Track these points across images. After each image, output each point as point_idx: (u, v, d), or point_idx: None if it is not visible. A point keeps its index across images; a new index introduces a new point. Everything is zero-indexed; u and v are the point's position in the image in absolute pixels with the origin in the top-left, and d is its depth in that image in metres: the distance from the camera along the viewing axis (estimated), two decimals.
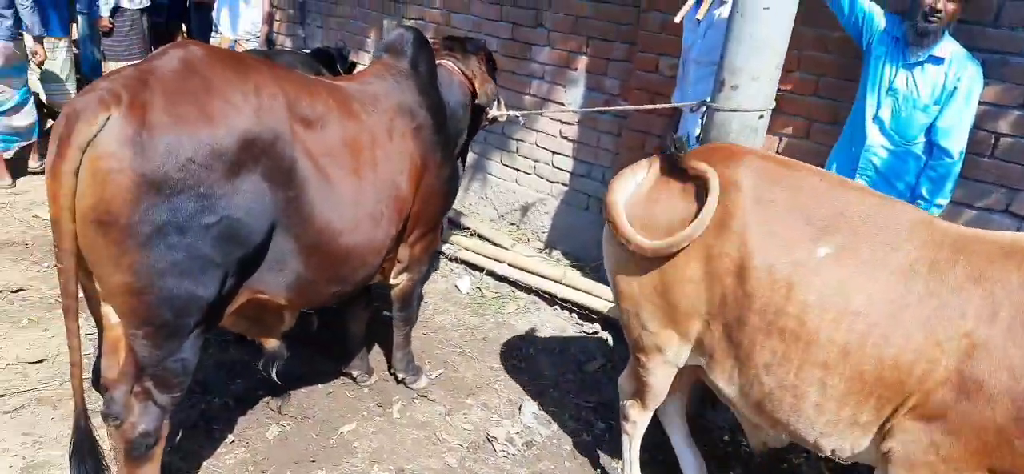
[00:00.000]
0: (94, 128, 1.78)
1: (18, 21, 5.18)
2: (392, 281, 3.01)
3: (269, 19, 6.74)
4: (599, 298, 4.03)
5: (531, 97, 5.01)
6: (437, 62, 3.20)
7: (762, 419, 2.21)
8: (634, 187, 2.36)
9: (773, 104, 2.79)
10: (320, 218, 2.26)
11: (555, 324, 4.08)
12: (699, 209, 2.15)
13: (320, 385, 3.26)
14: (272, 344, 2.61)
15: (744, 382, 2.17)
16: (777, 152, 3.74)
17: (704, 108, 2.89)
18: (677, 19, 3.15)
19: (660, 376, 2.44)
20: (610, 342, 3.90)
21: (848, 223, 2.04)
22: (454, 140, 3.21)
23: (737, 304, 2.10)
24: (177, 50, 2.04)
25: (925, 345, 1.88)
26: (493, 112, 3.43)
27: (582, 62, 4.70)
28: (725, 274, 2.12)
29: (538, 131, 4.98)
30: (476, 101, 3.26)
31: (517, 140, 5.12)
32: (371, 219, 2.44)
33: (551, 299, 4.24)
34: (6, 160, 5.30)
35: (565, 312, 4.18)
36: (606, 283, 3.88)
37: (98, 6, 6.99)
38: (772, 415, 2.14)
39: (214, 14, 6.78)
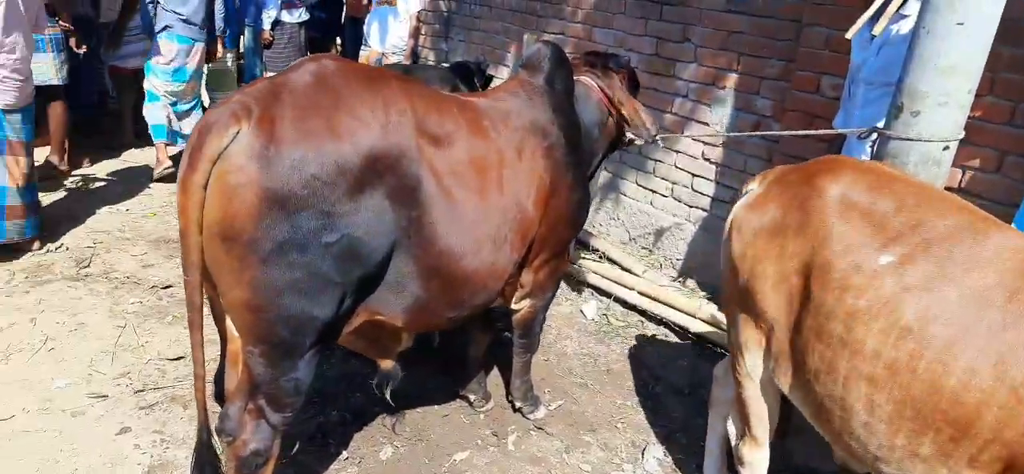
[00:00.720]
0: (224, 141, 1.77)
1: (213, 27, 5.61)
2: (514, 306, 2.87)
3: (415, 33, 6.89)
4: None
5: (673, 116, 4.74)
6: (575, 78, 3.06)
7: (822, 432, 2.12)
8: (745, 195, 2.39)
9: (962, 134, 2.39)
10: (442, 239, 2.16)
11: (686, 361, 3.79)
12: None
13: (436, 406, 3.18)
14: (387, 364, 2.53)
15: (799, 389, 2.12)
16: (960, 187, 3.26)
17: (875, 135, 2.53)
18: (849, 35, 2.79)
19: (754, 392, 2.34)
20: None
21: (924, 234, 1.87)
22: (587, 161, 3.03)
23: (798, 305, 2.07)
24: (311, 64, 2.02)
25: (995, 387, 1.67)
26: (631, 133, 3.22)
27: (731, 80, 4.38)
28: (792, 274, 2.09)
29: (678, 151, 4.70)
30: (614, 119, 3.07)
31: (654, 160, 4.85)
32: (493, 242, 2.32)
33: (683, 333, 3.94)
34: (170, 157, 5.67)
35: (698, 348, 3.87)
36: None
37: (262, 19, 7.47)
38: (826, 429, 2.07)
39: (365, 28, 7.03)
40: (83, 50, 5.50)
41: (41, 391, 2.92)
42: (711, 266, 4.42)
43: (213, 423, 2.10)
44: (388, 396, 2.63)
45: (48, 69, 4.98)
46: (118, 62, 5.99)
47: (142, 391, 2.99)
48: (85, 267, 4.03)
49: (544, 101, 2.66)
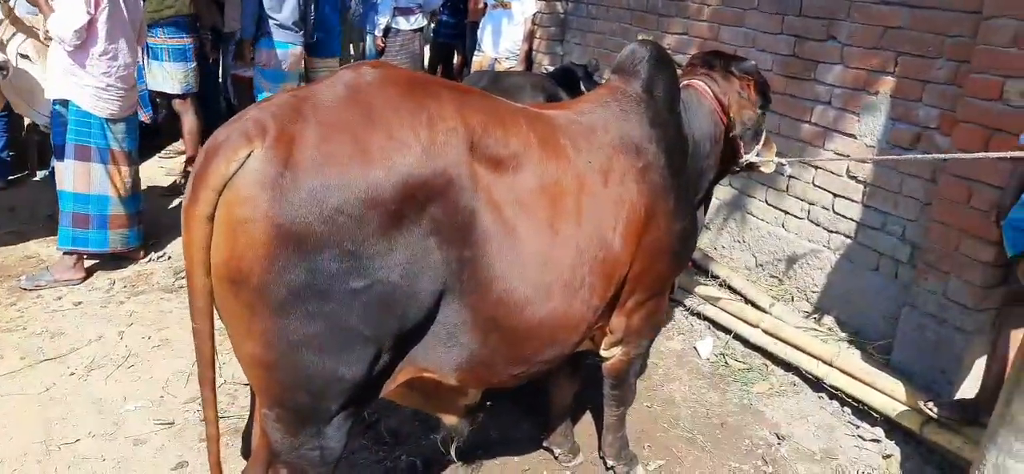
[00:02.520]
0: (232, 166, 1.48)
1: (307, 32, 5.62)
2: (603, 353, 2.44)
3: (530, 37, 6.59)
4: (884, 394, 3.06)
5: (811, 126, 4.10)
6: (685, 83, 2.59)
7: None
8: None
9: None
10: (500, 284, 1.78)
11: (819, 419, 3.19)
12: None
13: (516, 457, 2.81)
14: (451, 420, 2.20)
15: None
16: None
17: None
18: None
19: None
20: (896, 457, 2.92)
21: None
22: (695, 183, 2.56)
23: None
24: (347, 72, 1.70)
25: None
26: (751, 156, 2.70)
27: (886, 84, 3.70)
28: None
29: (816, 166, 4.05)
30: (730, 134, 2.58)
31: (789, 176, 4.21)
32: (565, 287, 1.91)
33: (817, 383, 3.34)
34: None
35: (835, 404, 3.26)
36: (898, 370, 2.95)
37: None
38: None
39: (479, 32, 6.81)
40: (212, 59, 5.71)
41: (111, 414, 2.84)
42: (854, 303, 3.76)
43: None
44: (453, 454, 2.30)
45: (165, 79, 5.12)
46: (239, 70, 6.11)
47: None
48: (182, 278, 4.01)
49: (639, 112, 2.23)
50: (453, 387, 1.98)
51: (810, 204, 4.12)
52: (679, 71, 2.79)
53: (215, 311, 1.63)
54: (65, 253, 3.83)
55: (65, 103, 3.73)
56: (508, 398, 3.05)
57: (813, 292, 4.05)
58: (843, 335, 3.69)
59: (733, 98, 2.61)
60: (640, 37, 2.59)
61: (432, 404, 2.14)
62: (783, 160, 2.84)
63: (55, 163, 3.92)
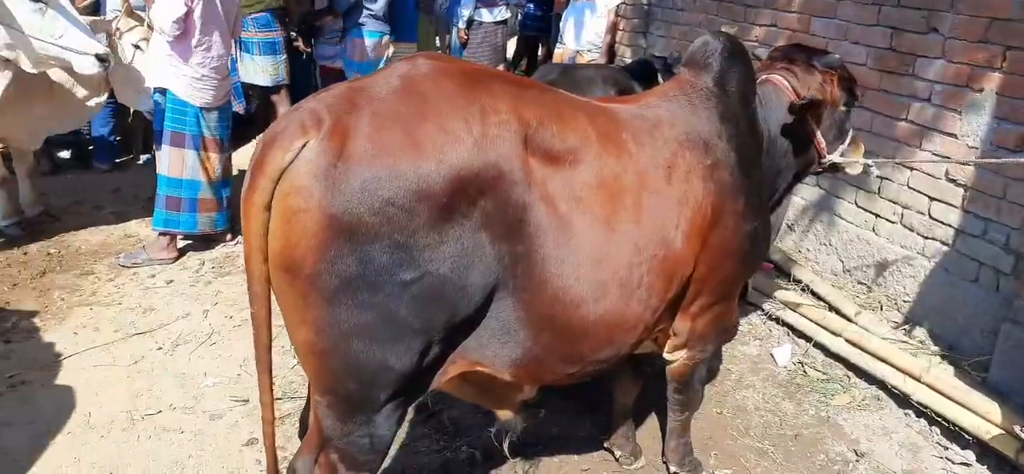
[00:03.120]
0: (288, 156, 1.52)
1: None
2: (668, 356, 2.37)
3: (613, 29, 6.48)
4: (977, 414, 2.84)
5: (907, 124, 3.85)
6: (763, 78, 2.48)
7: None
8: None
9: None
10: (554, 281, 1.75)
11: (903, 437, 3.00)
12: None
13: (576, 456, 2.78)
14: (506, 414, 2.19)
15: None
16: None
17: None
18: None
19: None
20: None
21: None
22: (772, 182, 2.45)
23: None
24: (403, 65, 1.71)
25: None
26: (834, 156, 2.56)
27: (991, 80, 3.43)
28: None
29: (912, 168, 3.80)
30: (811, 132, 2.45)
31: (881, 176, 3.97)
32: (622, 286, 1.86)
33: (903, 399, 3.14)
34: None
35: (922, 422, 3.05)
36: (995, 390, 2.73)
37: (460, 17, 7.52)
38: None
39: (561, 24, 6.76)
40: (305, 52, 5.94)
41: (192, 387, 3.00)
42: (949, 316, 3.51)
43: None
44: (507, 450, 2.29)
45: (256, 72, 5.35)
46: (326, 61, 6.30)
47: (280, 399, 2.94)
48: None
49: (709, 108, 2.15)
50: (508, 382, 1.97)
51: (904, 208, 3.87)
52: (758, 65, 2.68)
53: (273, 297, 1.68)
54: (159, 234, 4.06)
55: (164, 91, 3.95)
56: (570, 396, 3.02)
57: (904, 302, 3.81)
58: (935, 349, 3.45)
59: (816, 92, 2.47)
60: (717, 29, 2.49)
61: (488, 398, 2.13)
62: (870, 161, 2.67)
63: (155, 148, 4.17)
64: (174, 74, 3.87)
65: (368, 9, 5.57)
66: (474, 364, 1.83)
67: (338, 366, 1.63)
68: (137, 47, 4.37)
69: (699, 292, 2.17)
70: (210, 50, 3.90)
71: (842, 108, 2.58)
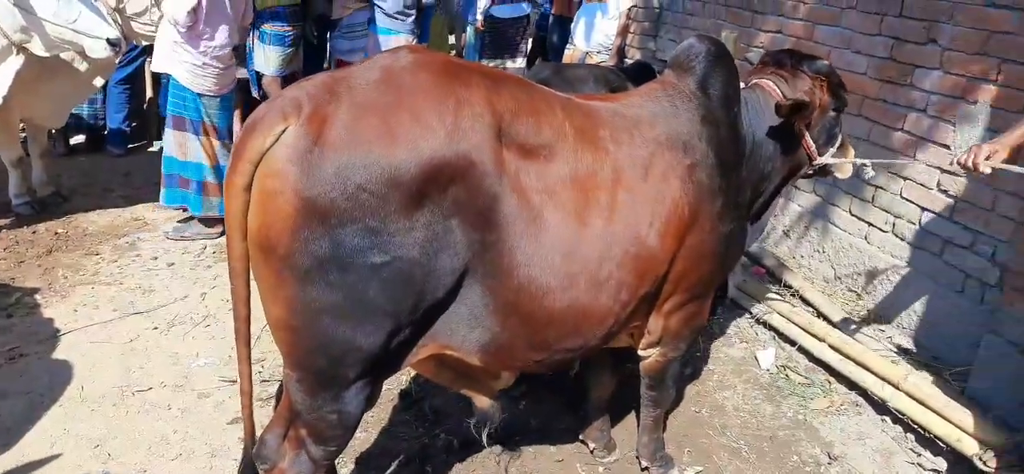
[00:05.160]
0: (268, 140, 1.60)
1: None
2: (641, 352, 2.42)
3: (624, 31, 6.52)
4: (952, 423, 2.85)
5: (903, 134, 3.85)
6: (753, 82, 2.51)
7: None
8: None
9: None
10: (522, 271, 1.82)
11: (878, 442, 3.02)
12: None
13: (552, 447, 2.84)
14: (483, 402, 2.25)
15: None
16: None
17: None
18: None
19: None
20: None
21: None
22: (756, 185, 2.47)
23: None
24: (385, 57, 1.79)
25: None
26: (825, 158, 2.59)
27: (986, 92, 3.43)
28: None
29: (906, 178, 3.81)
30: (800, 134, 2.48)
31: (874, 185, 3.98)
32: (591, 280, 1.92)
33: (881, 405, 3.15)
34: None
35: (898, 428, 3.07)
36: (973, 401, 2.75)
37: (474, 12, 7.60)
38: None
39: (573, 25, 6.79)
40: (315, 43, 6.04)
41: (183, 367, 3.10)
42: (934, 325, 3.52)
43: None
44: (484, 439, 2.36)
45: (264, 61, 5.46)
46: (344, 55, 6.38)
47: (268, 381, 3.03)
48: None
49: (690, 109, 2.19)
50: (481, 368, 2.03)
51: (896, 217, 3.88)
52: (749, 69, 2.72)
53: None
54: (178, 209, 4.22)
55: (168, 76, 4.06)
56: (550, 389, 3.08)
57: (892, 310, 3.81)
58: (919, 357, 3.46)
59: (803, 97, 2.51)
60: (702, 33, 2.52)
61: (464, 383, 2.18)
62: (860, 161, 2.68)
63: (164, 130, 4.31)
64: (177, 60, 3.98)
65: (380, 7, 5.65)
66: (444, 347, 1.89)
67: (309, 343, 1.71)
68: None
69: (674, 291, 2.22)
70: (213, 39, 4.00)
71: (832, 113, 2.61)
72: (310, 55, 6.53)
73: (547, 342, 1.97)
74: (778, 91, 2.50)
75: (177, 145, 4.13)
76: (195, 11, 3.85)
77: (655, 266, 2.07)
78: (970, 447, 2.74)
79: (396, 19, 5.70)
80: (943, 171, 3.60)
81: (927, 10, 3.74)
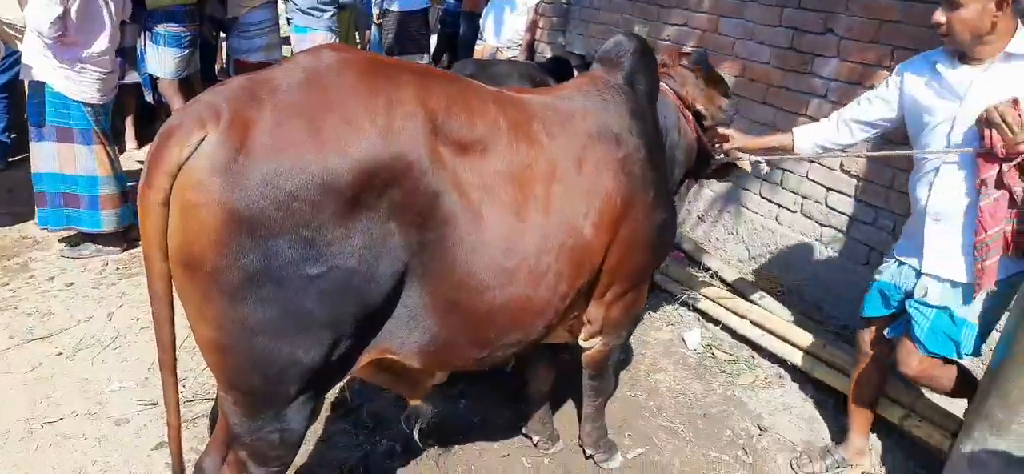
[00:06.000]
0: (186, 151, 1.46)
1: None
2: (583, 343, 2.44)
3: (533, 27, 6.56)
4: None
5: (807, 120, 4.06)
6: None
7: None
8: None
9: None
10: (461, 267, 1.78)
11: (802, 410, 3.18)
12: None
13: (496, 443, 2.82)
14: (416, 401, 2.21)
15: None
16: None
17: None
18: None
19: None
20: (877, 450, 2.91)
21: None
22: (671, 177, 2.55)
23: None
24: (306, 56, 1.68)
25: None
26: (728, 152, 2.70)
27: (881, 78, 3.66)
28: None
29: (810, 161, 4.03)
30: (704, 124, 2.57)
31: (783, 169, 4.20)
32: (530, 273, 1.90)
33: (803, 375, 3.33)
34: None
35: (820, 395, 3.24)
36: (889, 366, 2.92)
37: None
38: None
39: (481, 21, 6.78)
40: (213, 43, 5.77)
41: (96, 393, 2.87)
42: (844, 297, 3.74)
43: None
44: (416, 434, 2.32)
45: (158, 64, 5.17)
46: (243, 55, 6.11)
47: (191, 401, 2.86)
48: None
49: (620, 103, 2.22)
50: (417, 368, 1.98)
51: (804, 198, 4.10)
52: None
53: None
54: (60, 237, 3.87)
55: (40, 85, 3.71)
56: (489, 385, 3.07)
57: (805, 285, 4.03)
58: (833, 328, 3.68)
59: (694, 92, 2.60)
60: (629, 31, 2.57)
61: (399, 384, 2.13)
62: (761, 159, 2.82)
63: (31, 144, 3.86)
64: (51, 68, 3.65)
65: (295, 3, 5.48)
66: (383, 351, 1.83)
67: (243, 362, 1.61)
68: None
69: (611, 281, 2.24)
70: (90, 46, 3.69)
71: (723, 101, 2.72)
72: (205, 56, 6.25)
73: (488, 338, 1.95)
74: (670, 90, 2.58)
75: (60, 158, 3.77)
76: (63, 19, 3.53)
77: (591, 257, 2.08)
78: (889, 410, 2.92)
79: (311, 16, 5.52)
80: (844, 152, 3.83)
81: (824, 1, 3.96)
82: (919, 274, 2.45)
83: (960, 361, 2.47)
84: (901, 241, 2.61)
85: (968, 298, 2.34)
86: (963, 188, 2.31)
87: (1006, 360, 2.18)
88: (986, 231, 2.21)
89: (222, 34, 6.38)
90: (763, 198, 4.36)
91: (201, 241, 1.47)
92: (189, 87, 5.55)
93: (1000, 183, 2.17)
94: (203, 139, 1.47)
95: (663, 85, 2.55)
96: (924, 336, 2.40)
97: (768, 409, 3.17)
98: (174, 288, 1.58)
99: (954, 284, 2.36)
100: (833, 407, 3.15)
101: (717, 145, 2.73)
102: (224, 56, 6.90)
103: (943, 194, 2.35)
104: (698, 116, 2.59)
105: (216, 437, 1.81)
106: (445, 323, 1.82)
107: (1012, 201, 2.18)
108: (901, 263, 2.55)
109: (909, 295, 2.48)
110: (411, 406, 2.20)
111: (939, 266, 2.39)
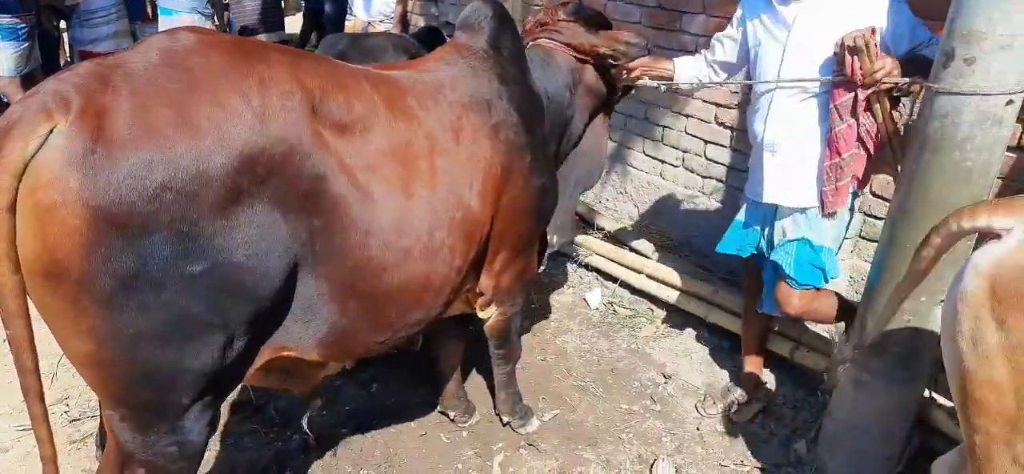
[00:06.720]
0: (32, 145, 1.30)
1: None
2: (481, 314, 2.44)
3: None
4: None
5: None
6: (529, 45, 2.56)
7: None
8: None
9: None
10: (356, 252, 1.72)
11: (701, 355, 3.36)
12: None
13: (413, 423, 2.80)
14: (305, 393, 2.14)
15: None
16: (1021, 145, 2.77)
17: (920, 90, 2.06)
18: None
19: None
20: (772, 386, 3.12)
21: None
22: (559, 139, 2.57)
23: None
24: (161, 38, 1.54)
25: None
26: (639, 80, 2.72)
27: None
28: None
29: (688, 116, 4.22)
30: (610, 63, 2.59)
31: (663, 126, 4.37)
32: (425, 249, 1.87)
33: (699, 322, 3.51)
34: None
35: (715, 339, 3.43)
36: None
37: None
38: None
39: None
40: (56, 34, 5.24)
41: None
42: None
43: None
44: (305, 426, 2.32)
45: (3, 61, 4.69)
46: (88, 45, 5.62)
47: (78, 420, 2.65)
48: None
49: (487, 69, 2.20)
50: (315, 362, 1.91)
51: (684, 152, 4.29)
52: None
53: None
54: None
55: None
56: (398, 366, 3.03)
57: (692, 237, 4.23)
58: (721, 275, 3.89)
59: (590, 38, 2.59)
60: None
61: (289, 381, 2.04)
62: (656, 83, 2.83)
63: None
64: None
65: None
66: (281, 350, 1.75)
67: (128, 376, 1.48)
68: None
69: (499, 249, 2.24)
70: None
71: (628, 40, 2.73)
72: (45, 49, 5.69)
73: (389, 321, 1.91)
74: (557, 45, 2.56)
75: None
76: None
77: (480, 228, 2.07)
78: (778, 345, 3.14)
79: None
80: (719, 106, 4.04)
81: None
82: (767, 212, 2.61)
83: (837, 292, 2.68)
84: (748, 179, 2.75)
85: (818, 223, 2.51)
86: (797, 118, 2.44)
87: (877, 284, 2.39)
88: (840, 155, 2.36)
89: (63, 23, 5.83)
90: (647, 155, 4.53)
91: (64, 246, 1.32)
92: (33, 84, 5.05)
93: (854, 111, 2.33)
94: (51, 131, 1.32)
95: (551, 42, 2.55)
96: (792, 271, 2.55)
97: (671, 357, 3.32)
98: (32, 303, 1.41)
99: (802, 211, 2.51)
100: (729, 349, 3.34)
101: (624, 76, 2.74)
102: (68, 48, 6.33)
103: (778, 127, 2.49)
104: (603, 57, 2.60)
105: (107, 459, 1.65)
106: (344, 311, 1.77)
107: (858, 137, 2.35)
108: (748, 200, 2.70)
109: (770, 245, 2.64)
110: (297, 397, 2.11)
111: (780, 195, 2.54)
